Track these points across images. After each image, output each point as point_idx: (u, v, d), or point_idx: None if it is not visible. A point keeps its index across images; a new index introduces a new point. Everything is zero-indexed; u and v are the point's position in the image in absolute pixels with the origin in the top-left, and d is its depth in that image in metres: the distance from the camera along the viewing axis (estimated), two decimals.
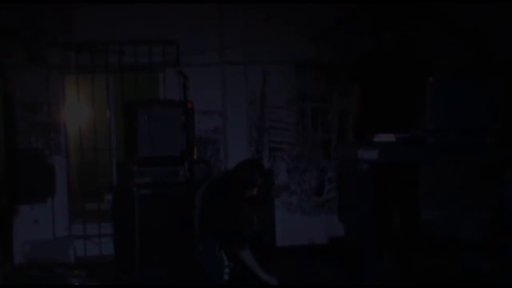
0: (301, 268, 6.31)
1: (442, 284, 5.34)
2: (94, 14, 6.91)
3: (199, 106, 6.68)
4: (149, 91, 7.29)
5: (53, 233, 7.01)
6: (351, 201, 6.97)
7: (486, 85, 4.23)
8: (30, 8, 6.91)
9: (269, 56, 7.24)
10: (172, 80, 6.89)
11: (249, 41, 7.23)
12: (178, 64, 6.94)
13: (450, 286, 5.30)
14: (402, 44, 5.45)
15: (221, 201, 5.07)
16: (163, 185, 6.32)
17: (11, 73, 6.90)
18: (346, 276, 5.56)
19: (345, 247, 6.50)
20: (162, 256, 6.05)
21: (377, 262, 4.80)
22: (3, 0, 6.64)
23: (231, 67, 7.28)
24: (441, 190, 6.33)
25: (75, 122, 7.21)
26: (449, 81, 4.36)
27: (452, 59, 6.75)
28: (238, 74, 7.28)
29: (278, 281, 5.02)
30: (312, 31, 7.25)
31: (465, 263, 5.70)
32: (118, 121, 7.08)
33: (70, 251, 6.84)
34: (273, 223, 6.75)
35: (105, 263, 6.58)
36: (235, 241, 5.00)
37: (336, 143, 7.39)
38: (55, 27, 7.01)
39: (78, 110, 7.25)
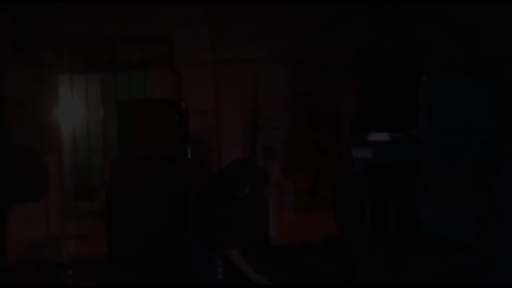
0: (295, 267, 6.31)
1: (434, 282, 5.35)
2: (87, 13, 6.88)
3: (192, 105, 6.68)
4: (142, 90, 7.28)
5: (46, 232, 6.99)
6: (345, 200, 6.99)
7: (480, 83, 4.24)
8: (22, 7, 6.89)
9: (262, 54, 7.23)
10: (166, 79, 6.88)
11: (242, 40, 7.22)
12: (171, 63, 6.93)
13: (441, 285, 5.31)
14: (403, 42, 5.45)
15: (213, 200, 5.08)
16: (157, 184, 6.33)
17: (4, 72, 6.88)
18: (340, 275, 5.57)
19: (339, 246, 6.51)
20: (156, 255, 6.05)
21: (371, 261, 4.82)
22: None
23: (224, 66, 7.27)
24: (433, 188, 6.34)
25: (68, 121, 7.20)
26: (442, 79, 4.36)
27: (447, 58, 6.76)
28: (232, 73, 7.27)
29: (268, 281, 5.03)
30: (306, 29, 7.25)
31: (456, 261, 5.72)
32: (111, 120, 7.07)
33: (63, 250, 6.83)
34: (267, 222, 6.75)
35: (98, 262, 6.57)
36: (224, 241, 5.01)
37: (331, 142, 7.40)
38: (48, 26, 6.99)
39: (72, 109, 7.23)
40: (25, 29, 6.95)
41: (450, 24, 7.11)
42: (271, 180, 7.18)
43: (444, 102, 4.20)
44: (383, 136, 4.36)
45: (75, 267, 6.25)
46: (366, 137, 4.43)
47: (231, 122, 7.29)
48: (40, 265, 6.46)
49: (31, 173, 6.92)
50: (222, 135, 7.27)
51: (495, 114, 4.19)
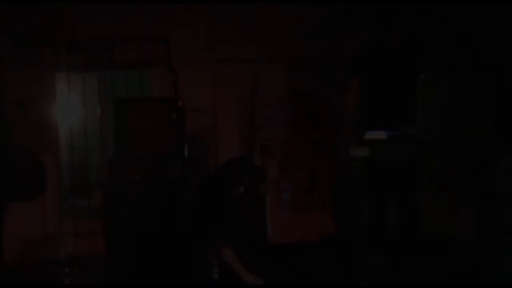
0: (292, 265, 6.31)
1: (433, 282, 5.35)
2: (85, 12, 6.88)
3: (190, 104, 6.67)
4: (139, 88, 7.27)
5: (43, 230, 6.99)
6: (343, 198, 6.99)
7: (477, 82, 4.24)
8: (20, 6, 6.88)
9: (260, 53, 7.23)
10: (163, 77, 6.88)
11: (241, 39, 7.22)
12: (168, 62, 6.92)
13: (441, 284, 5.31)
14: (403, 41, 5.45)
15: (207, 199, 5.08)
16: (154, 182, 6.33)
17: (1, 71, 6.87)
18: (337, 273, 5.57)
19: (336, 245, 6.51)
20: (153, 253, 6.04)
21: (368, 260, 4.82)
22: None
23: (222, 64, 7.27)
24: (432, 187, 6.34)
25: (65, 119, 7.19)
26: (440, 78, 4.37)
27: (448, 58, 6.77)
28: (229, 72, 7.27)
29: (261, 281, 5.03)
30: (305, 28, 7.24)
31: (454, 260, 5.72)
32: (108, 119, 7.06)
33: (60, 249, 6.83)
34: (264, 221, 6.75)
35: (96, 260, 6.56)
36: (217, 240, 5.01)
37: (329, 141, 7.40)
38: (46, 25, 6.98)
39: (69, 107, 7.22)
40: (23, 28, 6.94)
41: (450, 24, 7.12)
42: (268, 179, 7.18)
43: (442, 101, 4.21)
44: (380, 135, 4.37)
45: (72, 265, 6.24)
46: (363, 135, 4.45)
47: (228, 121, 7.28)
48: (37, 263, 6.45)
49: (28, 171, 6.91)
50: (219, 133, 7.27)
51: (492, 113, 4.20)
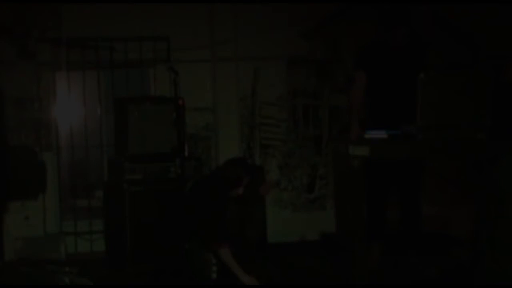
0: (292, 264, 6.32)
1: (432, 280, 5.36)
2: (85, 10, 6.87)
3: (190, 103, 6.67)
4: (140, 87, 7.27)
5: (44, 229, 6.99)
6: (342, 197, 7.00)
7: (477, 81, 4.25)
8: (20, 4, 6.88)
9: (260, 52, 7.23)
10: (163, 76, 6.88)
11: (240, 38, 7.22)
12: (168, 61, 6.92)
13: (440, 284, 5.32)
14: (408, 40, 5.44)
15: (206, 200, 5.07)
16: (154, 181, 6.34)
17: (1, 69, 6.87)
18: (337, 272, 5.58)
19: (336, 244, 6.52)
20: (153, 253, 6.04)
21: (367, 259, 4.82)
22: None
23: (222, 63, 7.27)
24: (431, 186, 6.34)
25: (66, 118, 7.19)
26: (440, 77, 4.37)
27: (448, 58, 6.78)
28: (229, 71, 7.27)
29: (257, 282, 5.03)
30: (304, 27, 7.25)
31: (454, 258, 5.73)
32: (109, 118, 7.06)
33: (61, 248, 6.82)
34: (264, 220, 6.75)
35: (96, 260, 6.57)
36: (214, 240, 5.01)
37: (328, 139, 7.40)
38: (46, 23, 6.98)
39: (69, 106, 7.22)
40: (23, 26, 6.94)
41: (452, 24, 7.13)
42: (268, 178, 7.18)
43: (441, 99, 4.22)
44: (380, 134, 4.37)
45: (72, 265, 6.23)
46: (363, 134, 4.46)
47: (228, 120, 7.29)
48: (37, 262, 6.44)
49: (28, 170, 6.91)
50: (219, 132, 7.27)
51: (491, 112, 4.20)
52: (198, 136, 7.24)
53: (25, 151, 6.96)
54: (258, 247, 6.53)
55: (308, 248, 6.90)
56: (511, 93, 4.92)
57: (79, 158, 7.27)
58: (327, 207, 7.42)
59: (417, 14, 6.10)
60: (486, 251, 4.77)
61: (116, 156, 6.54)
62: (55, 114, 7.12)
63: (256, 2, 7.05)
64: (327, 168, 7.44)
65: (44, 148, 7.04)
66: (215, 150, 7.28)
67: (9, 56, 6.92)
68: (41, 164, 6.98)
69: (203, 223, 5.01)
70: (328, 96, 7.41)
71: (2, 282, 5.53)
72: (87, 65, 7.07)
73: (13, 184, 6.81)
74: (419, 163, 5.52)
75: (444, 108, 4.22)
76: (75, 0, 6.83)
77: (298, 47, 7.29)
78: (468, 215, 5.66)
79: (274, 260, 6.34)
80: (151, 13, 6.98)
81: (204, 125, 7.27)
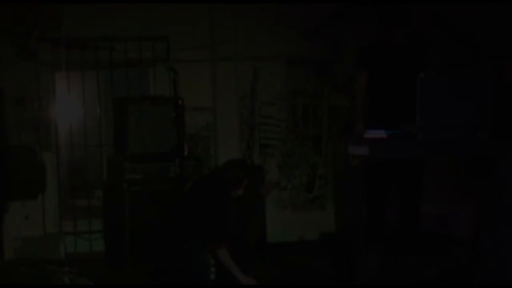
0: (291, 264, 6.32)
1: (432, 280, 5.35)
2: (84, 10, 6.87)
3: (189, 103, 6.67)
4: (139, 87, 7.27)
5: (43, 229, 6.99)
6: (342, 196, 6.99)
7: (477, 81, 4.24)
8: (20, 4, 6.88)
9: (259, 52, 7.23)
10: (162, 76, 6.88)
11: (240, 37, 7.22)
12: (168, 60, 6.92)
13: (440, 284, 5.31)
14: (408, 39, 5.44)
15: (205, 201, 5.07)
16: (153, 181, 6.33)
17: (1, 69, 6.86)
18: (336, 272, 5.57)
19: (336, 243, 6.51)
20: (153, 252, 6.04)
21: (367, 258, 4.82)
22: None
23: (221, 63, 7.27)
24: (431, 186, 6.34)
25: (65, 118, 7.19)
26: (439, 77, 4.37)
27: (448, 58, 6.78)
28: (229, 71, 7.28)
29: (256, 282, 5.03)
30: (304, 27, 7.25)
31: (454, 258, 5.72)
32: (108, 117, 7.06)
33: (60, 248, 6.82)
34: (263, 219, 6.75)
35: (95, 259, 6.57)
36: (213, 240, 5.01)
37: (327, 139, 7.40)
38: (45, 23, 6.98)
39: (69, 106, 7.22)
40: (22, 26, 6.94)
41: (452, 24, 7.13)
42: (268, 178, 7.18)
43: (441, 99, 4.21)
44: (380, 133, 4.37)
45: (72, 264, 6.23)
46: (363, 133, 4.45)
47: (228, 119, 7.28)
48: (37, 262, 6.44)
49: (28, 170, 6.90)
50: (218, 132, 7.27)
51: (492, 111, 4.20)
52: (197, 136, 7.24)
53: (25, 151, 6.95)
54: (257, 247, 6.53)
55: (308, 248, 6.89)
56: (511, 93, 4.92)
57: (79, 157, 7.27)
58: (326, 207, 7.42)
59: (417, 14, 6.09)
60: (486, 251, 4.77)
61: (115, 156, 6.54)
62: (54, 114, 7.12)
63: (256, 2, 7.05)
64: (327, 167, 7.44)
65: (43, 148, 7.04)
66: (214, 149, 7.28)
67: (9, 56, 6.91)
68: (41, 164, 6.98)
69: (202, 223, 5.01)
70: (328, 96, 7.42)
71: (2, 282, 5.52)
72: (87, 65, 7.08)
73: (13, 184, 6.81)
74: (419, 163, 5.51)
75: (444, 108, 4.21)
76: (75, 0, 6.83)
77: (298, 47, 7.29)
78: (468, 215, 5.65)
79: (273, 260, 6.34)
80: (151, 13, 6.98)
81: (204, 125, 7.27)
